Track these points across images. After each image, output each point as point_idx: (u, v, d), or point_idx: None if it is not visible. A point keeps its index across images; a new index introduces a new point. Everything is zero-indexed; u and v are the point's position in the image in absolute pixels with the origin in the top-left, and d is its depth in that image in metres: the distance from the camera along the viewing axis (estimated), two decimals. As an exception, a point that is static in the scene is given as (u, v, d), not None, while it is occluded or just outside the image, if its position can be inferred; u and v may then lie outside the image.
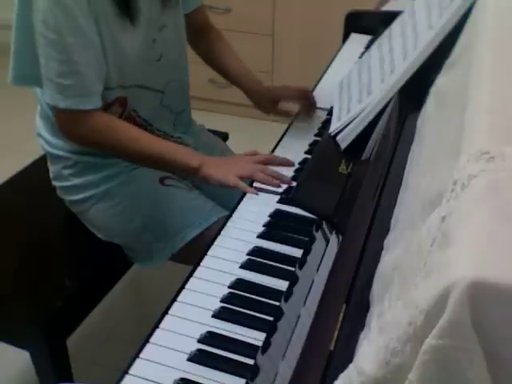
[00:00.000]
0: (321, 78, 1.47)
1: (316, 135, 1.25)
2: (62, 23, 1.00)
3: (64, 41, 1.01)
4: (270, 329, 0.77)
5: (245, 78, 1.36)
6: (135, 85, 1.18)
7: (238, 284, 0.86)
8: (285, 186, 1.07)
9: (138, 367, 0.73)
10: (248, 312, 0.81)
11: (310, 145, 1.21)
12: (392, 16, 1.20)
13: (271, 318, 0.79)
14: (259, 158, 1.12)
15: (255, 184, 1.07)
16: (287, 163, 1.13)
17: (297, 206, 1.01)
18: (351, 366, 0.49)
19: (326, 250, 0.91)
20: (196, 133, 1.38)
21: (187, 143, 1.33)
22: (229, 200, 1.14)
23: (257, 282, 0.86)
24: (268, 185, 1.06)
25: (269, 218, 0.99)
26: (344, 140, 1.10)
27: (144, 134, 1.15)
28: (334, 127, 1.14)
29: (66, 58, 1.02)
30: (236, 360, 0.75)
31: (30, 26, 1.04)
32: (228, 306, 0.82)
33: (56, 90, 1.05)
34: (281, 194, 1.05)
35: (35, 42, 1.04)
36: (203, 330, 0.78)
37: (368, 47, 1.53)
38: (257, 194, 1.05)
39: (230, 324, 0.79)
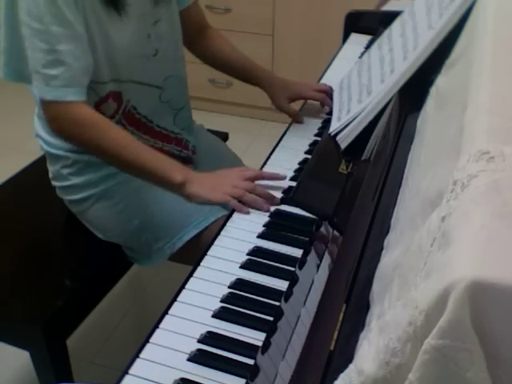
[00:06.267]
0: (321, 78, 1.47)
1: (316, 135, 1.25)
2: (45, 11, 0.99)
3: (48, 30, 1.00)
4: (269, 329, 0.77)
5: (255, 71, 1.34)
6: (131, 80, 1.17)
7: (238, 284, 0.85)
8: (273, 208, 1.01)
9: (137, 367, 0.73)
10: (248, 312, 0.81)
11: (310, 145, 1.21)
12: (392, 16, 1.20)
13: (271, 318, 0.79)
14: (248, 174, 1.05)
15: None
16: (278, 177, 1.07)
17: (297, 206, 1.01)
18: (351, 365, 0.50)
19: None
20: (196, 132, 1.38)
21: (188, 140, 1.33)
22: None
23: (257, 281, 0.86)
24: (257, 208, 1.00)
25: (269, 218, 0.99)
26: (344, 140, 1.10)
27: (125, 135, 1.07)
28: (333, 127, 1.14)
29: (50, 47, 1.01)
30: (236, 360, 0.74)
31: (17, 22, 1.03)
32: (228, 305, 0.82)
33: (43, 81, 1.03)
34: (270, 213, 1.00)
35: (22, 37, 1.04)
36: (203, 329, 0.78)
37: (368, 47, 1.53)
38: (248, 213, 1.00)
39: (229, 324, 0.79)
